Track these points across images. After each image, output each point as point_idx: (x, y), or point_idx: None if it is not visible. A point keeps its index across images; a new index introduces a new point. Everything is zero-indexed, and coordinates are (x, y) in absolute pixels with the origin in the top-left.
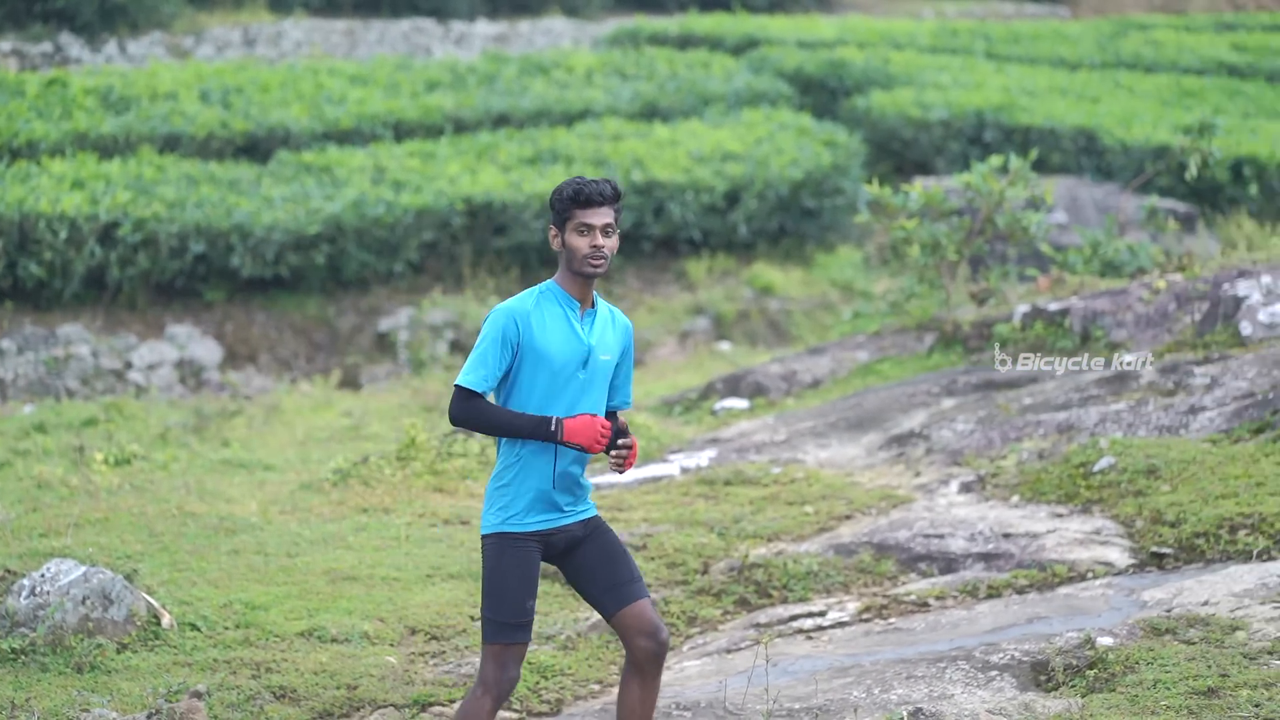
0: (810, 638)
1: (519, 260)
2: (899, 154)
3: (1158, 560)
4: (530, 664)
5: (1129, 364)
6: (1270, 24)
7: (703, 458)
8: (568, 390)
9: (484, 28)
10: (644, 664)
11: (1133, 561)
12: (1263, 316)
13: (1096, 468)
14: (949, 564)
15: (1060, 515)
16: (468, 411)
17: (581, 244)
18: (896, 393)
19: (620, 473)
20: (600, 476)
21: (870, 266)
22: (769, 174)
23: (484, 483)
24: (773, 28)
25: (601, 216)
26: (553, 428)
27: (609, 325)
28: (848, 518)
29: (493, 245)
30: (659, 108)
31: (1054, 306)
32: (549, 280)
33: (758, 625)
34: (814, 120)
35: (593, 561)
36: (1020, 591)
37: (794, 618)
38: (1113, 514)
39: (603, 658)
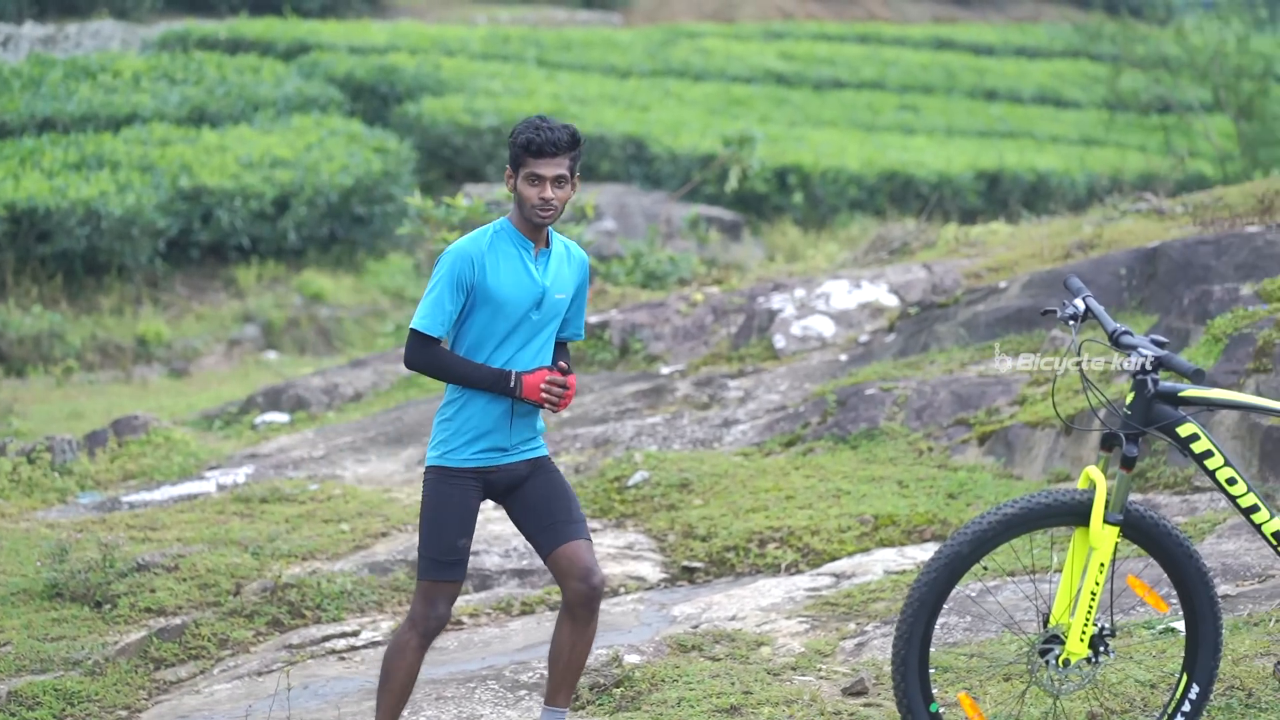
0: (343, 658)
1: (64, 268)
2: (451, 161)
3: (689, 575)
4: (56, 690)
5: (667, 375)
6: (818, 33)
7: (240, 474)
8: (520, 331)
9: (31, 30)
10: (575, 606)
11: (664, 576)
12: (795, 330)
13: (631, 482)
14: (484, 581)
15: (595, 530)
16: (425, 357)
17: (531, 194)
18: (436, 406)
19: (554, 412)
20: (135, 494)
21: (422, 274)
22: (319, 180)
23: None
24: (324, 33)
25: (553, 167)
26: (512, 384)
27: (565, 262)
28: (384, 535)
29: (36, 253)
30: (208, 113)
31: (594, 319)
32: (503, 218)
33: (290, 646)
34: (365, 127)
35: (534, 499)
36: (552, 608)
37: (327, 638)
38: (646, 528)
39: (131, 682)
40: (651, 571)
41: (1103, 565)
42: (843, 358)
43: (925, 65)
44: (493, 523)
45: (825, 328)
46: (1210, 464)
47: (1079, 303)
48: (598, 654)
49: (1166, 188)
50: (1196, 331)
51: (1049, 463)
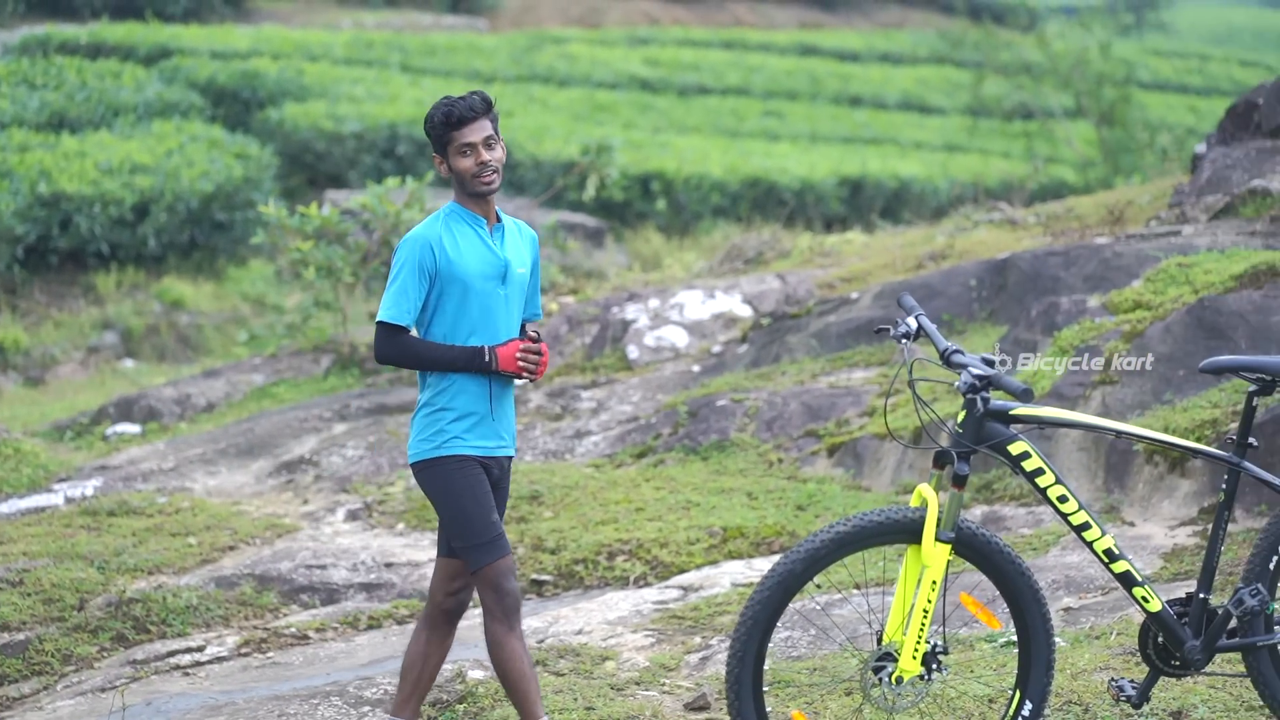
0: (188, 674)
1: None
2: (313, 167)
3: (538, 588)
4: None
5: (520, 387)
6: (683, 39)
7: (89, 486)
8: (491, 309)
9: None
10: (438, 620)
11: None
12: (649, 340)
13: None
14: (331, 595)
15: None
16: (395, 348)
17: (467, 164)
18: (289, 417)
19: (532, 380)
20: None
21: (282, 280)
22: (179, 187)
23: None
24: (186, 37)
25: (478, 131)
26: (487, 358)
27: (517, 238)
28: (232, 549)
29: None
30: (67, 118)
31: None
32: (449, 203)
33: (135, 662)
34: (226, 132)
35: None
36: (401, 622)
37: (172, 653)
38: None
39: None
40: None
41: (935, 583)
42: (695, 368)
43: (790, 71)
44: (341, 536)
45: (679, 338)
46: (1041, 482)
47: (911, 321)
48: (443, 670)
49: (1023, 196)
50: (1044, 343)
51: (897, 474)
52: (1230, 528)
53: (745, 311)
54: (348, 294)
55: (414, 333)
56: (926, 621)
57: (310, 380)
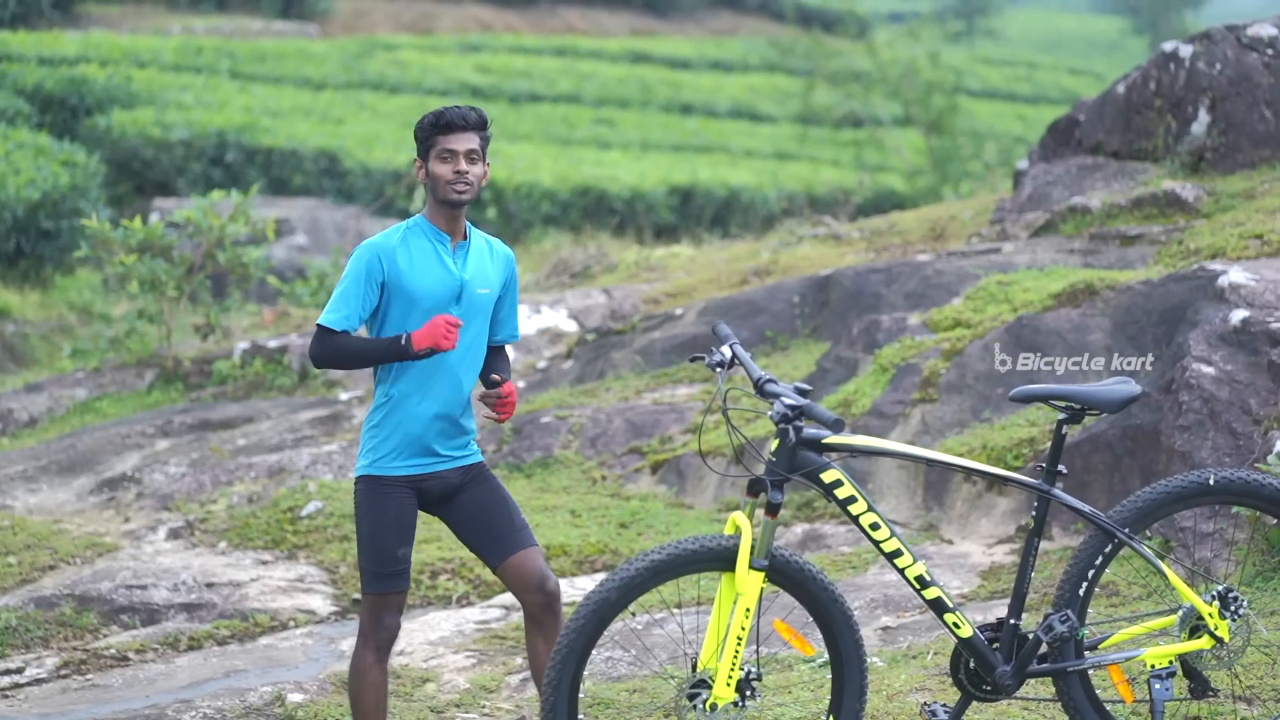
0: (6, 696)
1: None
2: (140, 174)
3: (360, 607)
4: None
5: (345, 402)
6: (515, 46)
7: None
8: None
9: None
10: (539, 616)
11: (335, 609)
12: None
13: (304, 512)
14: (151, 615)
15: (266, 562)
16: (327, 349)
17: (445, 170)
18: (112, 433)
19: (499, 421)
20: None
21: (110, 289)
22: (5, 195)
23: None
24: (13, 43)
25: (464, 142)
26: (403, 343)
27: (486, 257)
28: (52, 568)
29: None
30: None
31: (274, 343)
32: (417, 215)
33: None
34: (53, 140)
35: (471, 509)
36: (222, 643)
37: None
38: (318, 560)
39: None
40: (322, 604)
41: (749, 610)
42: (521, 384)
43: (622, 79)
44: (162, 555)
45: None
46: (854, 509)
47: (726, 350)
48: (260, 692)
49: (849, 210)
50: (865, 361)
51: (720, 491)
52: (1046, 545)
53: (571, 327)
54: (172, 308)
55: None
56: (740, 648)
57: (134, 395)
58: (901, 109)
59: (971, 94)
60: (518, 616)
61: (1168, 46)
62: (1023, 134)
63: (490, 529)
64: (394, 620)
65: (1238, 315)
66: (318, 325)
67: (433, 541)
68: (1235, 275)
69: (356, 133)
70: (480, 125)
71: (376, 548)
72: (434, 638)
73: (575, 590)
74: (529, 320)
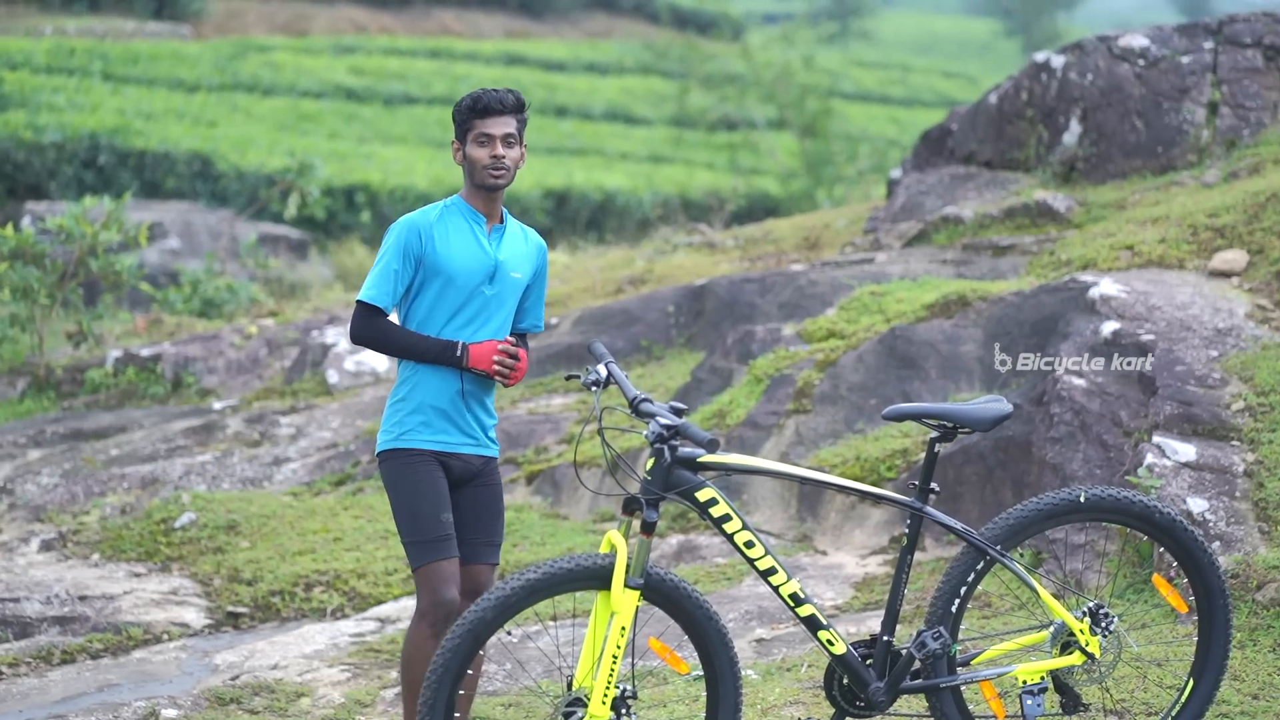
0: None
1: None
2: (12, 177)
3: (234, 620)
4: None
5: (219, 411)
6: (389, 47)
7: None
8: (472, 306)
9: None
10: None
11: (209, 622)
12: (349, 365)
13: (178, 524)
14: (24, 628)
15: (139, 575)
16: (371, 330)
17: (481, 154)
18: None
19: (506, 385)
20: None
21: None
22: None
23: None
24: None
25: (502, 126)
26: (459, 353)
27: (520, 242)
28: None
29: None
30: None
31: (147, 351)
32: (454, 195)
33: None
34: None
35: (469, 506)
36: (95, 657)
37: None
38: (191, 572)
39: None
40: (196, 617)
41: (624, 629)
42: None
43: (497, 80)
44: (35, 568)
45: (379, 362)
46: (729, 528)
47: (602, 369)
48: (134, 707)
49: (724, 217)
50: (740, 371)
51: (595, 502)
52: (920, 556)
53: None
54: (44, 315)
55: (394, 317)
56: (616, 667)
57: (5, 403)
58: (776, 112)
59: (846, 97)
60: (392, 629)
61: (1039, 57)
62: (896, 137)
63: (474, 533)
64: (450, 594)
65: (1109, 327)
66: (358, 302)
67: (307, 554)
68: (1106, 287)
69: (230, 135)
70: (518, 108)
71: (414, 514)
72: (308, 651)
73: None
74: None
